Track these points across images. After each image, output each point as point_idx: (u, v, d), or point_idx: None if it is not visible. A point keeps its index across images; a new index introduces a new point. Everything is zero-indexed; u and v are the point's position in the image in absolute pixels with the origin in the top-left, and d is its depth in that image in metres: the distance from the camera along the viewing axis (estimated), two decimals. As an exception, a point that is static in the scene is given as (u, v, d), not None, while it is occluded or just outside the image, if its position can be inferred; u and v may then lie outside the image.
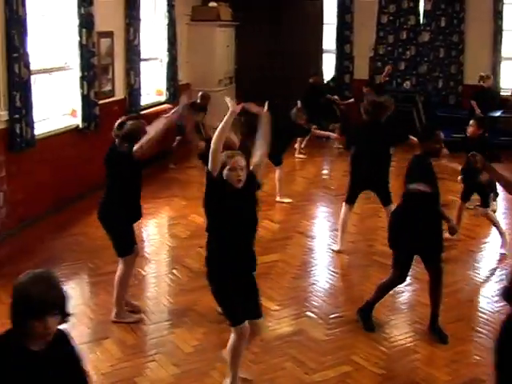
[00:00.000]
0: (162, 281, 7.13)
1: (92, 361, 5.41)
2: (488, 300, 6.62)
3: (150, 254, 7.85)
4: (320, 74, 14.72)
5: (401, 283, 6.00)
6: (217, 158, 4.57)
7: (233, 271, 4.71)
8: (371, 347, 5.72)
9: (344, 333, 5.99)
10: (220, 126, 4.59)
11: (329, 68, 15.34)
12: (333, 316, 6.29)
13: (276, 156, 9.25)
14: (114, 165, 5.87)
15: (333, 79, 15.08)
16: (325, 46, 15.23)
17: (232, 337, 4.81)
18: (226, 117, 4.61)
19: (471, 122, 7.94)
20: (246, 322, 4.74)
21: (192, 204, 9.18)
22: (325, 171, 12.69)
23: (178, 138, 11.34)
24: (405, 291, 6.70)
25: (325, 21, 15.11)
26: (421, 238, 5.60)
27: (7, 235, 7.72)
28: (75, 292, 6.77)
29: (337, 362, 5.47)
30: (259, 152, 4.95)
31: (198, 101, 11.40)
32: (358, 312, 6.08)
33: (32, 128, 8.12)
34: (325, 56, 15.27)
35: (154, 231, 9.03)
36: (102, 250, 7.35)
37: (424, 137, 5.88)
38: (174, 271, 7.32)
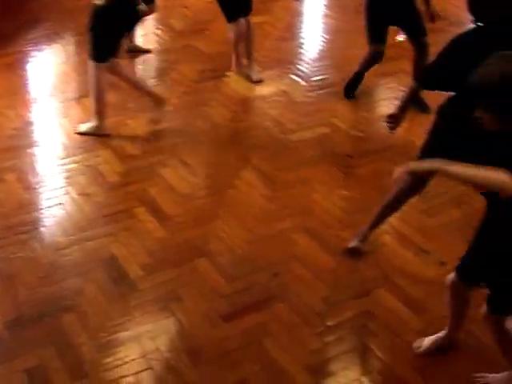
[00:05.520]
0: (148, 41, 6.99)
1: (71, 115, 5.56)
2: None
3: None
4: None
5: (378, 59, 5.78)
6: None
7: None
8: (351, 111, 5.75)
9: (326, 96, 5.98)
10: None
11: None
12: (315, 79, 6.24)
13: None
14: None
15: None
16: None
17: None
18: None
19: None
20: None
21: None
22: None
23: None
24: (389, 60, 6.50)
25: None
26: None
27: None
28: (58, 51, 6.68)
29: (315, 124, 5.52)
30: None
31: None
32: (345, 86, 5.94)
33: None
34: None
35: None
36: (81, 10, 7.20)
37: None
38: (158, 31, 7.17)
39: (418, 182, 3.84)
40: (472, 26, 3.52)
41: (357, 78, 5.89)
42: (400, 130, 5.31)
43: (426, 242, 4.25)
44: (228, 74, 6.13)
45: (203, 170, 4.91)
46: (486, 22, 3.43)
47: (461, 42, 3.49)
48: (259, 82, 6.07)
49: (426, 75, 3.74)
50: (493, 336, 3.19)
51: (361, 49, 5.92)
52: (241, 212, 4.47)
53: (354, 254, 4.05)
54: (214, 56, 6.38)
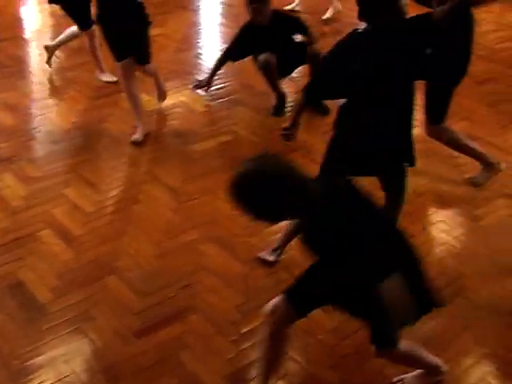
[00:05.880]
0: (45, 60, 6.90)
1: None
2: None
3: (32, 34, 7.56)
4: None
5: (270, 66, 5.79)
6: None
7: None
8: (252, 117, 5.82)
9: (226, 104, 6.05)
10: None
11: None
12: (215, 88, 6.28)
13: None
14: None
15: None
16: None
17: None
18: None
19: None
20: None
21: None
22: None
23: None
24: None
25: None
26: None
27: None
28: None
29: (217, 133, 5.57)
30: None
31: None
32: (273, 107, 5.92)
33: None
34: None
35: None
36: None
37: None
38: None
39: None
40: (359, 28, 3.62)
41: (278, 98, 5.91)
42: (299, 132, 5.44)
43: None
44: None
45: (107, 187, 4.87)
46: (372, 24, 3.52)
47: (340, 49, 3.57)
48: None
49: (310, 90, 3.78)
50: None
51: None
52: (147, 227, 4.47)
53: (267, 264, 4.10)
54: (112, 71, 6.33)
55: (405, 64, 3.49)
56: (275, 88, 5.84)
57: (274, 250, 4.08)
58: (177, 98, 6.12)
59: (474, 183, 4.98)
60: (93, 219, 4.52)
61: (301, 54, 5.70)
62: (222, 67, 5.97)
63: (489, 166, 4.96)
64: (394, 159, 3.76)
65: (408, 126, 3.73)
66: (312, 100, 3.86)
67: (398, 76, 3.48)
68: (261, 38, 5.62)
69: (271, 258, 4.06)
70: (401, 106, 3.59)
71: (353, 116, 3.64)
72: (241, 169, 2.64)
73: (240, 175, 2.63)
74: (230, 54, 5.85)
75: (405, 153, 3.78)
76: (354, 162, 3.73)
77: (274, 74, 5.75)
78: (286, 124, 3.96)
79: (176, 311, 3.79)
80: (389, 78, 3.45)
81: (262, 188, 2.58)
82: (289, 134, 4.02)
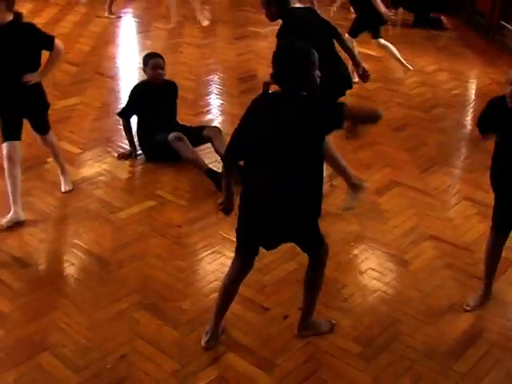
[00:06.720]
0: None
1: None
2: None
3: None
4: None
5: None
6: None
7: None
8: (175, 181, 5.84)
9: (148, 169, 6.07)
10: None
11: None
12: (137, 153, 6.30)
13: None
14: None
15: None
16: None
17: None
18: None
19: None
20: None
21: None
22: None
23: None
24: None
25: None
26: None
27: None
28: None
29: (142, 199, 5.55)
30: None
31: None
32: None
33: None
34: None
35: None
36: None
37: None
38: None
39: (245, 264, 3.90)
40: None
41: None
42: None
43: (267, 300, 4.34)
44: (49, 160, 6.01)
45: (33, 262, 4.75)
46: (283, 88, 3.57)
47: (249, 110, 3.62)
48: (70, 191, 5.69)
49: (227, 153, 3.77)
50: None
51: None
52: (78, 299, 4.37)
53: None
54: (32, 144, 6.22)
55: (312, 127, 3.49)
56: (195, 162, 5.88)
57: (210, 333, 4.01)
58: (100, 166, 6.08)
59: (347, 210, 5.17)
60: (21, 295, 4.40)
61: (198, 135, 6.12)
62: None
63: (354, 187, 5.18)
64: (300, 218, 3.71)
65: (311, 188, 3.64)
66: (230, 163, 3.80)
67: (303, 138, 3.49)
68: (153, 95, 6.20)
69: (205, 344, 3.97)
70: (303, 167, 3.56)
71: (254, 180, 3.65)
72: None
73: None
74: (125, 114, 6.33)
75: (311, 211, 3.69)
76: (261, 231, 3.71)
77: (187, 146, 5.90)
78: (221, 198, 3.81)
79: (113, 383, 3.71)
80: (292, 140, 3.47)
81: None
82: (225, 207, 3.81)
